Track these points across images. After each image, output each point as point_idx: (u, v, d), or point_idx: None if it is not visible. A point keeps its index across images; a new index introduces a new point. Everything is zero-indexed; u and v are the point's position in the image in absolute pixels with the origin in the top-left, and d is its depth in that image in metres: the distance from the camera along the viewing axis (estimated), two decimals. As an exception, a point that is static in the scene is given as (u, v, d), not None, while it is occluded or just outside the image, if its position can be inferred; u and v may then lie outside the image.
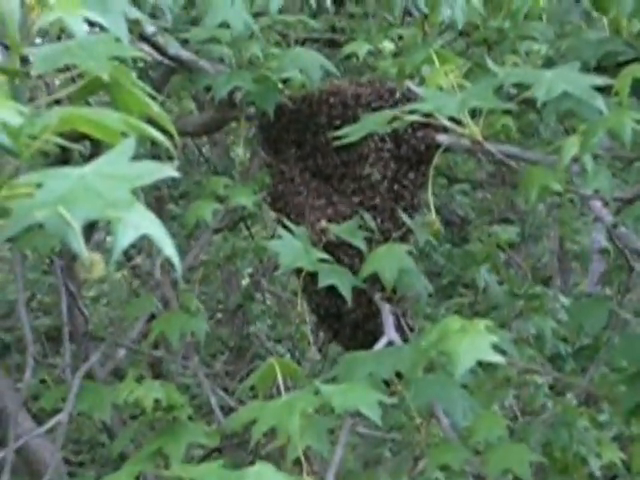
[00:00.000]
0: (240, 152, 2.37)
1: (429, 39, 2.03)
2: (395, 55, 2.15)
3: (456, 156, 3.50)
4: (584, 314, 1.78)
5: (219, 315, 4.44)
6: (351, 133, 1.57)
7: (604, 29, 1.85)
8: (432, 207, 1.57)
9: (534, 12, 1.96)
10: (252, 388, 1.71)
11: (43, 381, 4.09)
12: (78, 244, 0.79)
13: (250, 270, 4.13)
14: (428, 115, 1.52)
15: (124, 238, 0.77)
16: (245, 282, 4.30)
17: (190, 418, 2.00)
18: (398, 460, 2.81)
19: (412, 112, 1.49)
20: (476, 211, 3.97)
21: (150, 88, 2.77)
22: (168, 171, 0.78)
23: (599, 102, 1.37)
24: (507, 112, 1.90)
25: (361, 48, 2.10)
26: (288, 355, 4.27)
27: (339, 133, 1.62)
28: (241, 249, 3.34)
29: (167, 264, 2.42)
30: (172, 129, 0.96)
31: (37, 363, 3.61)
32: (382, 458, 3.16)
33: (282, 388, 1.51)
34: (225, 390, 3.57)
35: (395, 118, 1.51)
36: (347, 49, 2.13)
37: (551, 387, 2.62)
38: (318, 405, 1.45)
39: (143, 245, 3.82)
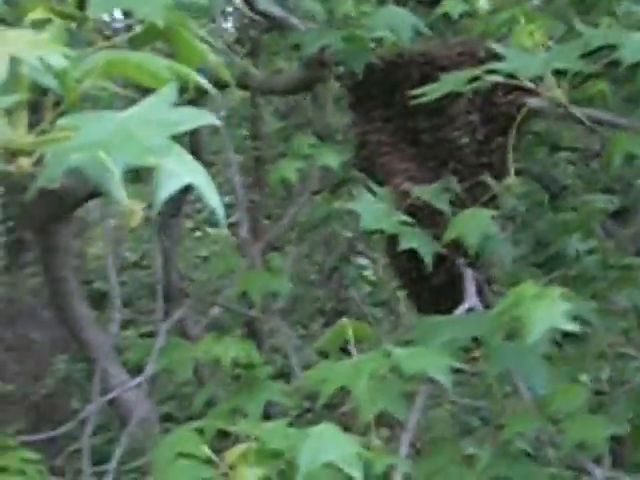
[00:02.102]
0: (330, 114, 2.33)
1: (524, -1, 1.97)
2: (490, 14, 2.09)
3: (559, 123, 3.42)
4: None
5: (315, 277, 4.44)
6: (429, 92, 1.53)
7: None
8: (512, 170, 1.53)
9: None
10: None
11: (142, 335, 4.16)
12: (118, 190, 0.78)
13: (349, 234, 4.11)
14: (513, 77, 1.47)
15: (166, 187, 0.76)
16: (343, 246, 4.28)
17: (271, 377, 2.01)
18: (486, 430, 2.78)
19: (493, 72, 1.44)
20: (583, 181, 3.87)
21: (249, 46, 2.76)
22: (209, 118, 0.77)
23: (689, 65, 1.32)
24: (601, 76, 1.83)
25: (455, 7, 2.05)
26: (387, 319, 4.26)
27: (418, 91, 1.58)
28: (337, 211, 3.32)
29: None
30: (230, 79, 0.94)
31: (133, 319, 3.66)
32: (472, 427, 3.13)
33: (353, 349, 1.49)
34: (322, 354, 3.56)
35: (476, 78, 1.47)
36: (441, 8, 2.09)
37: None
38: (388, 367, 1.43)
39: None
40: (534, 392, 1.67)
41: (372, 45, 1.98)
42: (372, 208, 1.76)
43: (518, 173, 1.95)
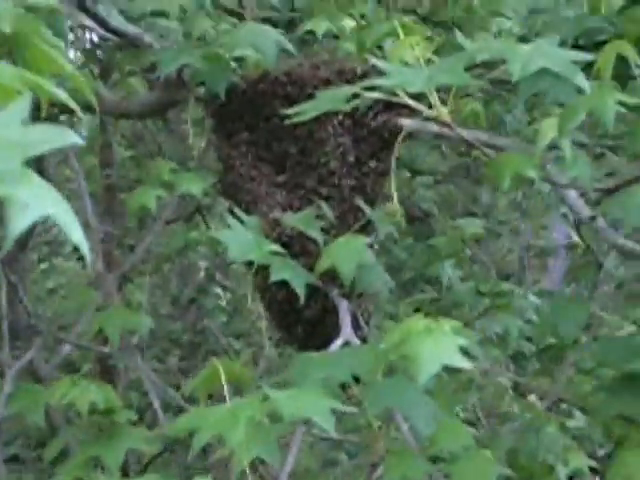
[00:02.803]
0: (190, 137, 2.20)
1: (393, 15, 1.87)
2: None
3: (419, 148, 3.36)
4: (560, 315, 1.64)
5: (172, 310, 4.29)
6: (305, 111, 1.42)
7: (581, 6, 1.72)
8: (395, 195, 1.43)
9: (506, -13, 1.83)
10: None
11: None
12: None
13: (206, 264, 3.98)
14: (391, 95, 1.37)
15: (19, 221, 0.62)
16: (200, 276, 4.15)
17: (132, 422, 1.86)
18: (355, 465, 2.68)
19: (373, 89, 1.34)
20: (439, 205, 3.83)
21: (98, 69, 2.61)
22: (71, 138, 0.64)
23: (580, 79, 1.24)
24: (472, 96, 1.76)
25: (320, 26, 1.95)
26: (245, 351, 4.14)
27: (292, 111, 1.46)
28: (194, 241, 3.19)
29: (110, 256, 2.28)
30: (89, 92, 0.81)
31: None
32: (339, 461, 3.03)
33: (227, 393, 1.36)
34: (178, 388, 3.42)
35: (355, 95, 1.36)
36: (305, 26, 1.98)
37: (514, 389, 2.49)
38: (266, 413, 1.31)
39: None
40: (417, 431, 1.57)
41: (233, 65, 1.86)
42: (240, 237, 1.64)
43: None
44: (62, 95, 0.70)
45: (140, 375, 3.58)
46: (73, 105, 0.71)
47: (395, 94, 1.35)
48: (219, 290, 3.92)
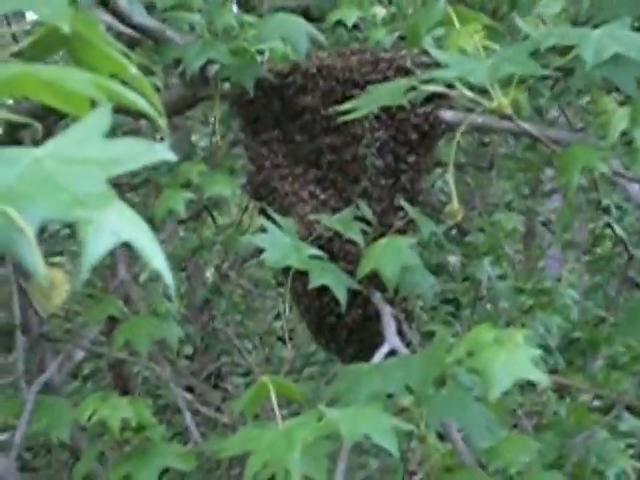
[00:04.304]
0: (217, 137, 2.10)
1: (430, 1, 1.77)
2: (387, 23, 1.89)
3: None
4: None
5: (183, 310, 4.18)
6: (359, 107, 1.31)
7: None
8: (454, 193, 1.33)
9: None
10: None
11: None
12: (32, 257, 0.55)
13: (216, 263, 3.87)
14: (448, 87, 1.28)
15: (98, 246, 0.53)
16: (210, 275, 4.04)
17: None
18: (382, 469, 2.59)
19: (428, 81, 1.24)
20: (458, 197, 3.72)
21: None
22: (162, 152, 0.54)
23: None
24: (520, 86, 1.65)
25: (350, 14, 1.85)
26: (255, 352, 4.05)
27: (344, 107, 1.36)
28: (209, 241, 3.09)
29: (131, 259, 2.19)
30: (155, 98, 0.71)
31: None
32: (367, 466, 2.93)
33: (277, 413, 1.27)
34: (189, 389, 3.33)
35: (412, 88, 1.26)
36: (334, 15, 1.88)
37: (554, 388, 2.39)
38: (325, 433, 1.22)
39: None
40: (473, 444, 1.48)
41: (259, 58, 1.76)
42: (277, 241, 1.54)
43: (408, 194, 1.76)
44: (145, 105, 0.60)
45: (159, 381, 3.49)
46: (153, 114, 0.62)
47: (451, 86, 1.25)
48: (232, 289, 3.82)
